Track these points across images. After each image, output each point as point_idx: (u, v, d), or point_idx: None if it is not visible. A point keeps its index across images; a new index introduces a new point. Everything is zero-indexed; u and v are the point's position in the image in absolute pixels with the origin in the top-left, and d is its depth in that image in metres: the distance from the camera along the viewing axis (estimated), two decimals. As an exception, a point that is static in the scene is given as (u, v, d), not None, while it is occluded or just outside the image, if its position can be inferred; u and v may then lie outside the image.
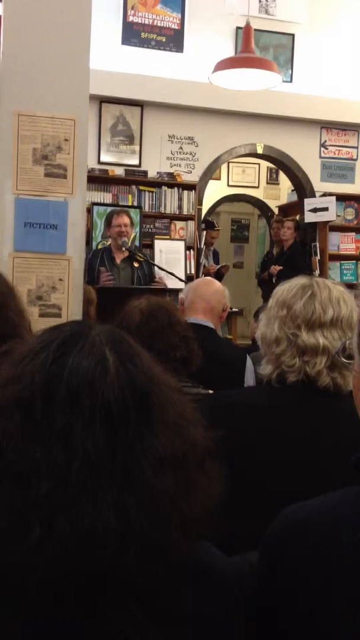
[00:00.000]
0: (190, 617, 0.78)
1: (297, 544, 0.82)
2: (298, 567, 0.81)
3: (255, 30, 5.36)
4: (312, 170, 7.11)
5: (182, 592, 0.78)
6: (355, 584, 0.76)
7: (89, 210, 6.07)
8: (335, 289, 1.52)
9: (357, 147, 7.25)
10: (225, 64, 4.98)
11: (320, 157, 7.15)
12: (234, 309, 7.13)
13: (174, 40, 6.54)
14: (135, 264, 5.07)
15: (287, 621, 0.80)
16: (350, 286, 1.60)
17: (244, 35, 5.07)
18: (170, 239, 6.61)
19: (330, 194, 6.91)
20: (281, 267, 6.57)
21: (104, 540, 0.72)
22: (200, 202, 6.82)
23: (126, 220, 5.09)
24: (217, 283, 2.90)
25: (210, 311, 2.72)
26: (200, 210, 6.84)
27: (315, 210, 6.83)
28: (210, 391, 2.06)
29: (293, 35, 6.88)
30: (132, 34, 6.43)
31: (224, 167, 8.62)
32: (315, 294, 1.49)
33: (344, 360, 0.98)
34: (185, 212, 6.69)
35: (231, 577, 0.84)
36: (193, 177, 6.75)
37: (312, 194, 7.07)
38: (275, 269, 6.68)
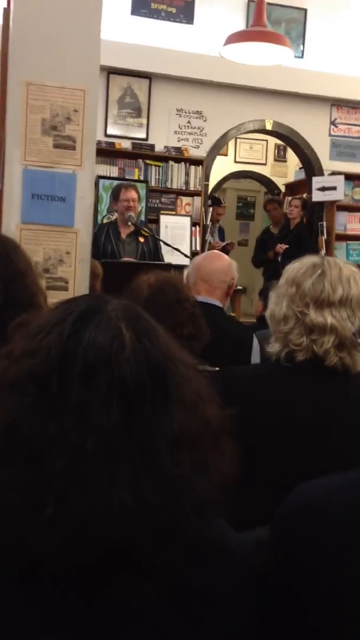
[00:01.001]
0: (204, 594, 0.78)
1: (314, 520, 0.82)
2: (315, 543, 0.81)
3: (267, 3, 5.26)
4: (321, 148, 7.04)
5: (196, 569, 0.78)
6: None
7: (95, 184, 6.02)
8: (346, 268, 1.52)
9: (367, 126, 7.17)
10: (237, 37, 4.89)
11: (330, 135, 7.07)
12: (238, 287, 7.12)
13: (184, 12, 6.43)
14: (141, 239, 5.04)
15: (304, 598, 0.80)
16: (358, 266, 1.59)
17: (256, 8, 4.98)
18: (176, 214, 6.57)
19: (339, 173, 6.84)
20: (287, 246, 6.53)
21: (118, 518, 0.71)
22: (207, 177, 6.76)
23: (134, 194, 5.04)
24: (221, 259, 2.81)
25: (214, 290, 2.68)
26: (207, 186, 6.79)
27: (323, 189, 6.77)
28: (217, 369, 2.06)
29: (305, 10, 6.76)
30: (142, 4, 6.32)
31: (231, 143, 8.53)
32: (326, 273, 1.48)
33: (358, 340, 0.97)
34: (191, 187, 6.64)
35: (244, 554, 0.84)
36: (200, 152, 6.69)
37: (321, 173, 7.00)
38: (281, 247, 6.64)
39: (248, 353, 2.59)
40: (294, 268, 1.54)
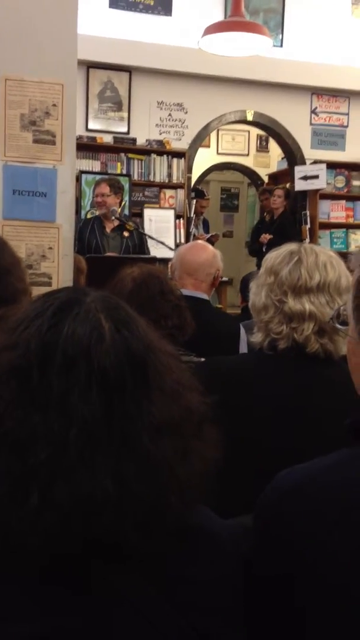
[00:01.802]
0: (189, 579, 0.79)
1: (294, 504, 0.83)
2: (296, 526, 0.81)
3: (245, -7, 5.26)
4: (303, 137, 7.05)
5: (181, 555, 0.79)
6: (354, 543, 0.77)
7: (78, 179, 6.01)
8: (323, 254, 1.52)
9: (347, 114, 7.18)
10: (215, 28, 4.89)
11: (311, 124, 7.09)
12: (224, 278, 7.13)
13: (162, 4, 6.41)
14: (126, 233, 5.03)
15: (290, 582, 0.81)
16: (341, 255, 1.60)
17: (234, -2, 4.97)
18: (160, 207, 6.57)
19: (321, 162, 6.86)
20: (271, 236, 6.55)
21: (102, 506, 0.72)
22: (190, 170, 6.76)
23: (104, 189, 5.02)
24: (206, 251, 2.78)
25: (200, 284, 2.68)
26: (190, 178, 6.78)
27: (305, 178, 6.79)
28: (202, 359, 2.06)
29: (284, -2, 6.76)
30: (120, -3, 6.29)
31: (213, 135, 8.53)
32: (302, 260, 1.49)
33: (339, 326, 0.98)
34: (174, 180, 6.64)
35: (229, 540, 0.85)
36: (182, 145, 6.68)
37: (303, 162, 7.02)
38: (265, 237, 6.66)
39: (236, 344, 2.60)
40: (272, 257, 1.55)
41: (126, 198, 6.19)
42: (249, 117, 6.91)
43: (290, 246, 1.55)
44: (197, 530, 0.82)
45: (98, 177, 5.86)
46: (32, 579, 0.74)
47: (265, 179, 8.72)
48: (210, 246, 2.88)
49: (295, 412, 1.41)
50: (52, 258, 2.67)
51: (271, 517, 0.86)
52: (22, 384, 0.76)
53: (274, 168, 8.66)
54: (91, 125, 6.43)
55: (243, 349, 2.61)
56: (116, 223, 5.04)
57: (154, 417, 0.77)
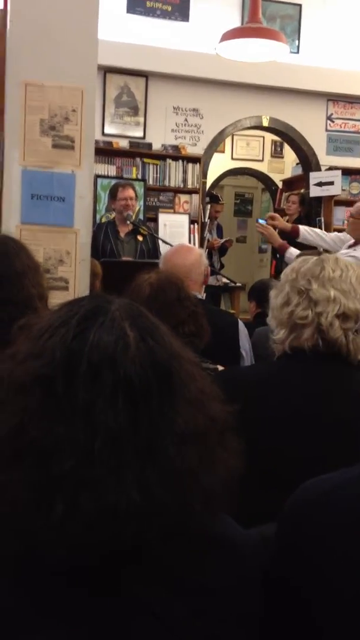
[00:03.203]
0: (209, 588, 0.79)
1: (320, 515, 0.83)
2: (321, 538, 0.81)
3: (262, 0, 5.26)
4: (318, 143, 7.04)
5: (202, 564, 0.79)
6: None
7: (93, 183, 6.03)
8: (342, 258, 1.59)
9: (364, 121, 7.16)
10: (232, 34, 4.89)
11: (327, 130, 7.07)
12: (237, 284, 7.13)
13: (179, 10, 6.43)
14: (140, 238, 5.04)
15: (310, 594, 0.81)
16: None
17: (251, 4, 4.97)
18: (175, 212, 6.57)
19: (336, 168, 6.84)
20: (285, 242, 6.52)
21: (127, 517, 0.72)
22: (204, 175, 6.76)
23: (131, 193, 5.05)
24: (193, 252, 2.78)
25: (193, 285, 2.67)
26: (204, 183, 6.78)
27: (320, 184, 6.77)
28: (219, 367, 2.06)
29: (300, 5, 6.76)
30: (138, 3, 6.32)
31: (228, 140, 8.53)
32: (323, 260, 1.56)
33: None
34: (189, 185, 6.64)
35: (250, 550, 0.85)
36: (197, 150, 6.69)
37: (318, 168, 7.00)
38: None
39: (236, 337, 2.63)
40: (293, 262, 1.61)
41: (140, 203, 6.21)
42: (265, 123, 6.90)
43: (308, 256, 1.61)
44: (219, 540, 0.82)
45: (113, 181, 5.87)
46: (54, 587, 0.74)
47: (280, 185, 8.71)
48: (193, 246, 2.88)
49: (319, 420, 1.41)
50: (69, 263, 2.69)
51: (294, 526, 0.85)
52: (47, 393, 0.76)
53: (288, 174, 8.64)
54: (107, 130, 6.45)
55: (244, 342, 2.66)
56: (130, 227, 5.05)
57: (179, 426, 0.77)
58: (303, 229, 4.57)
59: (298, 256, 1.66)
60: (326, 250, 2.88)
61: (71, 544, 0.71)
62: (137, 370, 0.77)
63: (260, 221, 4.46)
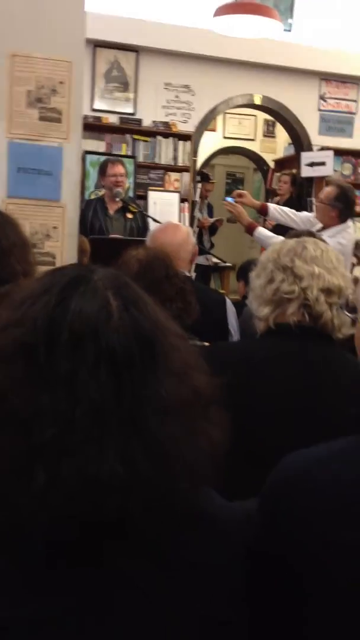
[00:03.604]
0: (194, 563, 0.78)
1: (301, 490, 0.82)
2: (302, 513, 0.81)
3: (256, -26, 5.18)
4: (310, 123, 6.99)
5: (186, 537, 0.78)
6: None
7: (82, 159, 5.96)
8: (322, 242, 1.63)
9: (356, 101, 7.11)
10: (226, 10, 4.83)
11: (319, 109, 7.02)
12: (227, 264, 7.11)
13: (172, -17, 6.32)
14: (129, 215, 5.00)
15: (294, 566, 0.80)
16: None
17: (245, -21, 4.90)
18: (165, 190, 6.52)
19: (328, 148, 6.80)
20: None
21: (109, 486, 0.71)
22: (195, 153, 6.70)
23: (121, 169, 5.00)
24: (180, 230, 2.77)
25: (182, 263, 2.65)
26: (195, 161, 6.73)
27: (312, 164, 6.74)
28: (206, 343, 2.06)
29: (294, -18, 6.68)
30: (129, -25, 6.21)
31: (219, 119, 8.46)
32: (304, 240, 1.60)
33: (348, 314, 0.98)
34: (180, 163, 6.58)
35: (234, 523, 0.85)
36: (189, 127, 6.62)
37: (310, 148, 6.96)
38: (270, 223, 6.62)
39: (224, 313, 2.65)
40: (270, 247, 1.64)
41: (130, 180, 6.15)
42: (257, 101, 6.84)
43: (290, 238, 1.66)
44: (202, 514, 0.81)
45: (102, 158, 5.81)
46: (36, 557, 0.73)
47: (271, 165, 8.66)
48: (180, 224, 2.87)
49: (304, 396, 1.41)
50: (56, 237, 2.66)
51: (277, 499, 0.85)
52: (29, 362, 0.75)
53: (280, 154, 8.60)
54: (97, 105, 6.37)
55: (231, 319, 2.68)
56: (119, 204, 5.00)
57: (162, 397, 0.76)
58: (272, 207, 4.53)
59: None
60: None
61: (53, 514, 0.70)
62: (120, 340, 0.76)
63: (228, 199, 4.40)
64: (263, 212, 4.50)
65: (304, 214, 4.44)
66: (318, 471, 0.83)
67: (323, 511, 0.80)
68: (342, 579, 0.77)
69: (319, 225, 4.04)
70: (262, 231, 4.10)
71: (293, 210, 4.54)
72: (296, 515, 0.82)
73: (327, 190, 4.14)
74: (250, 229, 4.13)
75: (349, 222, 4.14)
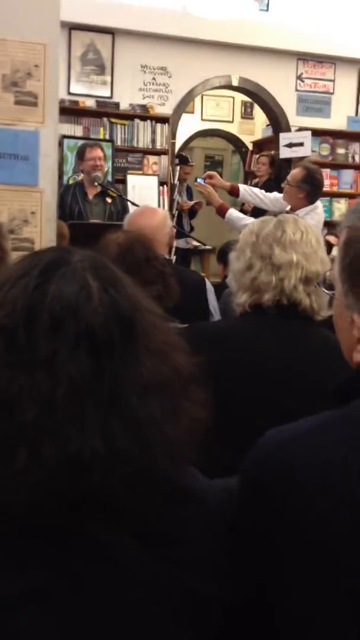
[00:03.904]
0: (176, 538, 0.80)
1: (278, 466, 0.84)
2: (280, 484, 0.82)
3: None
4: (288, 103, 6.98)
5: (168, 514, 0.80)
6: (338, 502, 0.78)
7: (60, 144, 5.91)
8: (301, 220, 1.60)
9: (333, 81, 7.12)
10: (200, -10, 4.79)
11: (297, 90, 7.01)
12: (207, 247, 7.11)
13: (146, -36, 6.25)
14: (108, 200, 4.98)
15: (274, 541, 0.82)
16: (325, 223, 1.68)
17: None
18: (143, 174, 6.50)
19: (306, 129, 6.81)
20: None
21: (90, 464, 0.72)
22: (173, 136, 6.68)
23: (100, 153, 4.97)
24: (157, 213, 2.78)
25: (160, 245, 2.66)
26: (173, 144, 6.70)
27: (290, 145, 6.74)
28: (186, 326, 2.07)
29: None
30: None
31: (197, 101, 8.42)
32: (282, 221, 1.56)
33: (326, 291, 0.99)
34: (158, 146, 6.55)
35: (215, 500, 0.86)
36: (166, 110, 6.59)
37: (288, 129, 6.96)
38: (249, 205, 6.62)
39: (204, 294, 2.67)
40: (250, 225, 1.62)
41: (109, 164, 6.11)
42: (234, 83, 6.82)
43: (268, 216, 1.63)
44: (183, 490, 0.83)
45: (80, 142, 5.77)
46: (18, 536, 0.74)
47: (250, 146, 8.65)
48: (157, 207, 2.88)
49: (276, 371, 1.43)
50: (34, 223, 2.64)
51: (256, 474, 0.86)
52: (8, 344, 0.76)
53: (258, 135, 8.58)
54: (73, 89, 6.31)
55: (211, 300, 2.71)
56: (98, 189, 4.98)
57: (142, 376, 0.77)
58: (243, 188, 4.54)
59: None
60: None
61: (34, 491, 0.71)
62: (100, 321, 0.76)
63: (199, 180, 4.39)
64: (234, 193, 4.50)
65: (274, 194, 4.45)
66: (297, 444, 0.85)
67: (300, 482, 0.81)
68: (318, 546, 0.78)
69: (288, 207, 4.06)
70: (233, 213, 4.11)
71: (262, 191, 4.55)
72: (275, 485, 0.83)
73: (294, 173, 4.16)
74: (221, 211, 4.13)
75: (318, 203, 4.17)
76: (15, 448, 0.71)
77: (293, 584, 0.81)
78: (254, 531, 0.85)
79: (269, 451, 0.87)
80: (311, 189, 4.05)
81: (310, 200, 4.07)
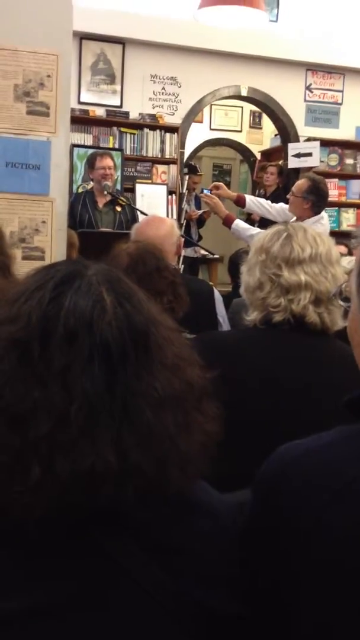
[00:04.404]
0: (187, 551, 0.80)
1: (292, 480, 0.83)
2: (293, 500, 0.82)
3: (241, -35, 5.17)
4: (297, 114, 7.00)
5: (179, 527, 0.80)
6: (351, 518, 0.78)
7: (69, 153, 5.94)
8: (310, 229, 1.57)
9: (342, 91, 7.13)
10: (211, 0, 4.81)
11: (305, 100, 7.03)
12: (215, 255, 7.11)
13: (157, -26, 6.29)
14: (118, 208, 4.99)
15: (289, 558, 0.81)
16: (333, 234, 1.64)
17: (231, -30, 4.89)
18: (152, 183, 6.52)
19: (315, 139, 6.82)
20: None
21: (103, 478, 0.72)
22: (182, 145, 6.70)
23: (110, 162, 4.99)
24: (165, 223, 2.78)
25: (167, 255, 2.66)
26: (182, 154, 6.72)
27: (298, 155, 6.75)
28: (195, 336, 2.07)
29: (279, -28, 6.66)
30: (114, -33, 6.17)
31: (206, 110, 8.44)
32: (292, 235, 1.53)
33: (342, 303, 0.99)
34: (167, 155, 6.58)
35: (226, 513, 0.86)
36: (175, 119, 6.61)
37: (296, 139, 6.97)
38: (256, 215, 6.62)
39: (212, 303, 2.67)
40: (261, 237, 1.58)
41: (118, 173, 6.14)
42: (244, 93, 6.84)
43: (277, 226, 1.59)
44: (195, 504, 0.83)
45: (90, 151, 5.79)
46: (32, 551, 0.74)
47: (258, 156, 8.66)
48: (164, 217, 2.88)
49: (290, 383, 1.42)
50: (45, 232, 2.65)
51: (269, 489, 0.86)
52: (23, 358, 0.76)
53: (266, 145, 8.60)
54: (83, 98, 6.34)
55: (220, 308, 2.70)
56: (108, 198, 5.00)
57: (156, 390, 0.77)
58: (249, 199, 4.55)
59: None
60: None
61: (47, 506, 0.71)
62: (114, 335, 0.77)
63: (205, 191, 4.41)
64: (240, 203, 4.51)
65: (280, 205, 4.46)
66: (311, 459, 0.84)
67: (314, 497, 0.81)
68: (333, 565, 0.78)
69: (294, 218, 4.07)
70: (240, 223, 4.11)
71: (269, 202, 4.57)
72: (289, 504, 0.83)
73: (299, 184, 4.17)
74: (227, 222, 4.13)
75: (324, 214, 4.17)
76: (28, 463, 0.72)
77: (307, 602, 0.81)
78: (265, 546, 0.85)
79: (282, 466, 0.87)
80: (316, 200, 4.05)
81: (316, 210, 4.08)
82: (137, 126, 6.48)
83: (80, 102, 6.30)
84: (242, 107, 8.87)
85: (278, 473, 0.86)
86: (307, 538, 0.81)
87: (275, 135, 7.56)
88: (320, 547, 0.80)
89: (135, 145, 6.49)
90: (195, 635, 0.79)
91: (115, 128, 6.43)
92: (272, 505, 0.85)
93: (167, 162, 6.59)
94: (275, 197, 6.81)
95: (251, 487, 0.92)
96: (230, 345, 1.54)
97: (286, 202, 6.71)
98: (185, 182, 6.77)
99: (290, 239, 1.51)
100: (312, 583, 0.81)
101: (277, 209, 4.38)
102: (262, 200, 4.59)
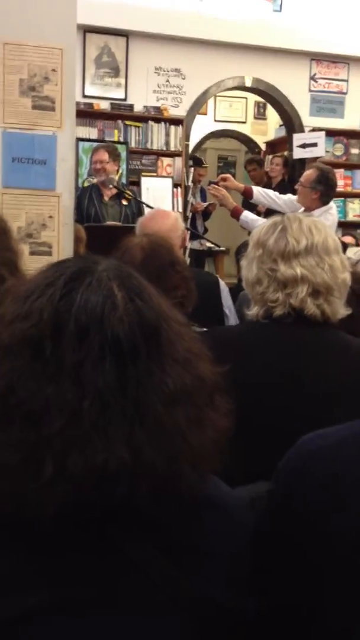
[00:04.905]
0: (200, 548, 0.80)
1: (316, 470, 0.83)
2: (316, 492, 0.82)
3: None
4: (301, 104, 6.96)
5: (192, 523, 0.80)
6: None
7: (75, 146, 5.93)
8: (306, 219, 1.56)
9: (347, 81, 7.09)
10: (215, -8, 4.80)
11: (310, 90, 6.99)
12: (221, 248, 7.10)
13: (160, -34, 6.26)
14: (124, 202, 4.99)
15: (305, 545, 0.82)
16: (340, 224, 1.63)
17: None
18: (157, 176, 6.50)
19: (320, 129, 6.78)
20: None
21: (116, 474, 0.72)
22: (187, 137, 6.68)
23: (103, 156, 4.97)
24: (169, 216, 2.77)
25: (174, 248, 2.66)
26: (187, 146, 6.71)
27: (304, 145, 6.72)
28: (205, 329, 2.07)
29: None
30: None
31: (210, 102, 8.41)
32: (286, 227, 1.53)
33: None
34: (172, 148, 6.56)
35: (237, 510, 0.86)
36: (180, 112, 6.59)
37: (301, 129, 6.94)
38: (262, 207, 6.60)
39: (218, 295, 2.67)
40: (257, 231, 1.59)
41: (123, 166, 6.13)
42: (248, 83, 6.80)
43: (274, 218, 1.60)
44: (207, 500, 0.83)
45: (95, 144, 5.79)
46: (44, 545, 0.75)
47: (263, 147, 8.62)
48: (168, 210, 2.86)
49: (295, 376, 1.43)
50: (52, 227, 2.65)
51: (294, 480, 0.86)
52: (35, 354, 0.76)
53: (271, 136, 8.55)
54: (88, 91, 6.33)
55: (226, 300, 2.69)
56: (114, 191, 4.99)
57: (167, 385, 0.77)
58: (257, 190, 4.53)
59: None
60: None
61: (61, 503, 0.71)
62: (125, 331, 0.77)
63: (213, 185, 4.40)
64: (247, 195, 4.50)
65: (288, 196, 4.44)
66: (336, 453, 0.84)
67: (338, 488, 0.81)
68: (353, 553, 0.78)
69: (302, 209, 4.05)
70: (248, 215, 4.10)
71: (276, 193, 4.55)
72: (313, 498, 0.83)
73: (307, 174, 4.15)
74: (236, 214, 4.13)
75: (332, 204, 4.16)
76: (41, 459, 0.72)
77: (331, 598, 0.81)
78: (285, 541, 0.85)
79: (306, 459, 0.87)
80: (325, 190, 4.04)
81: (324, 200, 4.06)
82: (142, 119, 6.46)
83: (84, 96, 6.29)
84: (246, 98, 8.82)
85: (302, 463, 0.86)
86: (331, 536, 0.81)
87: (280, 125, 7.52)
88: (347, 546, 0.80)
89: (140, 138, 6.48)
90: (210, 632, 0.79)
91: (119, 121, 6.41)
92: (296, 495, 0.85)
93: (172, 155, 6.57)
94: (281, 189, 6.80)
95: (273, 478, 0.92)
96: (238, 341, 1.54)
97: (292, 192, 6.69)
98: (191, 175, 6.75)
99: (285, 231, 1.51)
100: (337, 582, 0.80)
101: (284, 200, 4.37)
102: (270, 192, 4.57)
